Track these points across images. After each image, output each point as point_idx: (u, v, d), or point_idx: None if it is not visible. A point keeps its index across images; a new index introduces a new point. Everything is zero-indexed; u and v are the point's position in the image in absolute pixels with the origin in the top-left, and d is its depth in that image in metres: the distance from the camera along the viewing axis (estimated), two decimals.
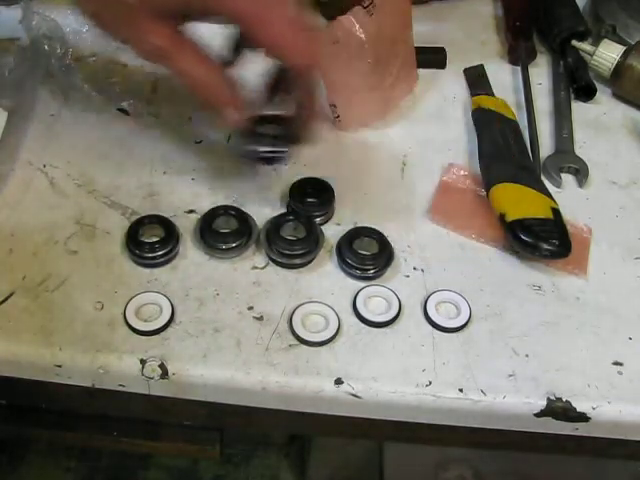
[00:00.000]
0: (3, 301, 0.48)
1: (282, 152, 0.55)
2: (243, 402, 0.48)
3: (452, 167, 0.60)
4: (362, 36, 0.57)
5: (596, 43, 0.69)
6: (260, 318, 0.49)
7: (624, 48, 0.67)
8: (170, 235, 0.51)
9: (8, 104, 0.58)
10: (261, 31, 0.46)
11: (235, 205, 0.54)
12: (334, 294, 0.51)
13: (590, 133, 0.65)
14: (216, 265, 0.52)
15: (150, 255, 0.50)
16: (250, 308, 0.49)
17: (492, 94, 0.67)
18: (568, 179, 0.61)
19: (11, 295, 0.48)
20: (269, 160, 0.57)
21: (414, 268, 0.53)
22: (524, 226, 0.52)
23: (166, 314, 0.48)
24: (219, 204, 0.54)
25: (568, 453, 0.52)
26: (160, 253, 0.50)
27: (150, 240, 0.51)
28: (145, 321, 0.47)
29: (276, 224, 0.52)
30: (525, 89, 0.68)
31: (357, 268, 0.51)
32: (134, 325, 0.47)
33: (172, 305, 0.48)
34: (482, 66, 0.70)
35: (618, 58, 0.67)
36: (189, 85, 0.48)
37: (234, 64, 0.52)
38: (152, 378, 0.46)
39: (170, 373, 0.46)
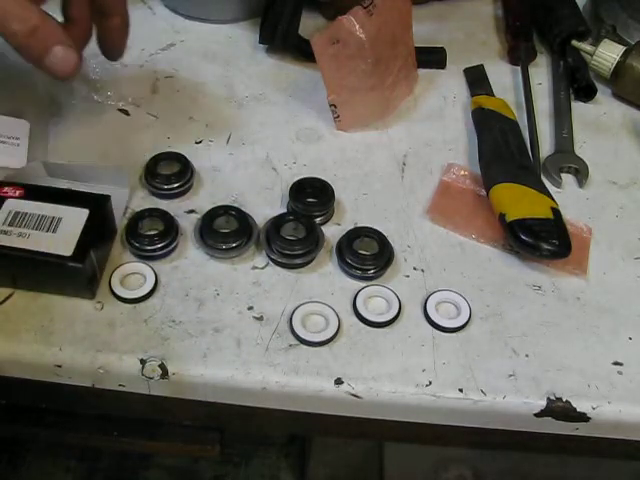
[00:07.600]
0: (3, 301, 0.48)
1: None
2: (243, 402, 0.48)
3: (452, 167, 0.60)
4: (362, 36, 0.57)
5: (596, 43, 0.68)
6: (260, 318, 0.49)
7: (624, 48, 0.67)
8: (170, 228, 0.51)
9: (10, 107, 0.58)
10: None
11: (235, 205, 0.54)
12: (334, 294, 0.51)
13: (590, 133, 0.65)
14: (216, 265, 0.52)
15: (149, 248, 0.50)
16: (250, 308, 0.49)
17: (492, 94, 0.67)
18: (568, 179, 0.61)
19: (11, 295, 0.48)
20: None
21: (414, 268, 0.53)
22: (524, 226, 0.52)
23: (150, 283, 0.49)
24: (219, 204, 0.54)
25: (568, 453, 0.52)
26: (159, 246, 0.51)
27: (149, 233, 0.51)
28: (129, 289, 0.49)
29: (276, 224, 0.52)
30: (525, 89, 0.68)
31: (357, 268, 0.51)
32: (119, 293, 0.48)
33: (155, 274, 0.49)
34: (482, 66, 0.70)
35: (618, 58, 0.67)
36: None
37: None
38: (152, 378, 0.46)
39: (170, 373, 0.46)
